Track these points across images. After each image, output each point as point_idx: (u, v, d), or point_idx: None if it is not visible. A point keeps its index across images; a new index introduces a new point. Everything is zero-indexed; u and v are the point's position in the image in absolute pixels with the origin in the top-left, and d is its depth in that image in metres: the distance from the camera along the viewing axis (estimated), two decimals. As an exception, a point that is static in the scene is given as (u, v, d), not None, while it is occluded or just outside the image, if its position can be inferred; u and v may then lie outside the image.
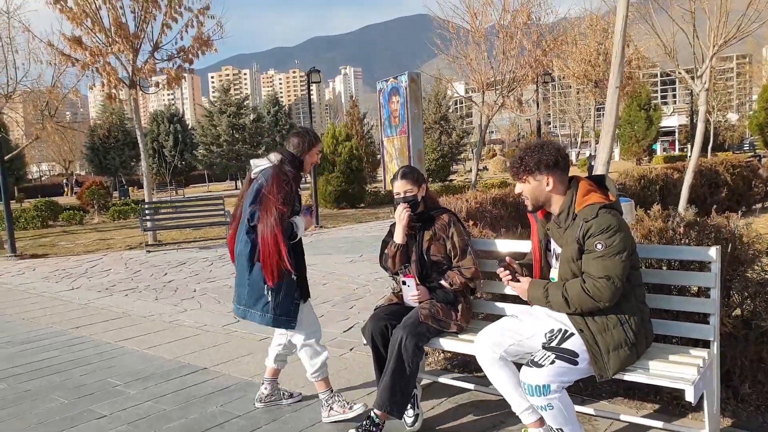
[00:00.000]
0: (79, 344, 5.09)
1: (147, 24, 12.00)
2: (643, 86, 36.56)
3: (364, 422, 2.92)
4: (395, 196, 3.24)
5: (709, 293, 2.69)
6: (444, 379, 3.61)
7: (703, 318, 2.86)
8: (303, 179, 3.43)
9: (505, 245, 3.33)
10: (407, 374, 2.89)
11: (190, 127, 46.64)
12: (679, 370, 2.47)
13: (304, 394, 3.62)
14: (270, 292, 3.15)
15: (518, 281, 2.72)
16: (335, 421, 3.22)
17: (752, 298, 3.04)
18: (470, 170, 33.03)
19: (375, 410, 2.91)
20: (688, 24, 8.16)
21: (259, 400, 3.52)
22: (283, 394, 3.56)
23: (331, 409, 3.25)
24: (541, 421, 2.63)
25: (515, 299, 3.23)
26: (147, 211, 12.07)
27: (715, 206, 3.60)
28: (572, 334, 2.55)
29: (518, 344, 2.70)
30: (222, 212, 12.08)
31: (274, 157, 3.25)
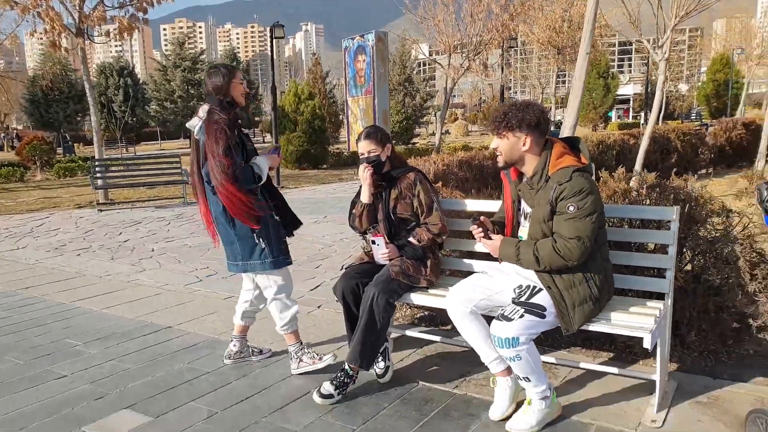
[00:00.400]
0: (31, 305, 4.92)
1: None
2: (603, 54, 37.09)
3: (339, 374, 2.98)
4: (360, 156, 3.24)
5: (666, 250, 2.83)
6: (412, 333, 3.70)
7: (658, 272, 3.02)
8: (247, 117, 3.32)
9: (474, 205, 3.39)
10: (378, 329, 2.95)
11: (141, 81, 44.72)
12: (637, 321, 2.62)
13: (274, 350, 3.65)
14: (261, 239, 3.16)
15: (490, 239, 2.78)
16: (304, 372, 3.27)
17: (703, 255, 3.23)
18: (433, 133, 33.08)
19: (348, 364, 2.97)
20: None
21: (228, 356, 3.53)
22: (252, 351, 3.58)
23: (301, 360, 3.29)
24: (508, 371, 2.74)
25: (482, 256, 3.32)
26: (98, 169, 11.65)
27: (674, 170, 3.75)
28: (540, 290, 2.63)
29: (488, 299, 2.78)
30: (178, 170, 11.78)
31: (202, 111, 3.16)
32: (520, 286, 2.70)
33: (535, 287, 2.65)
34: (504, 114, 2.66)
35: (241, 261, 3.22)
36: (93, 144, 12.74)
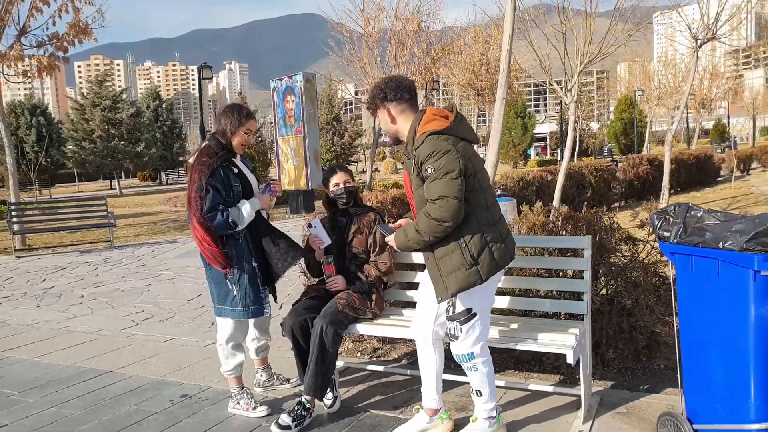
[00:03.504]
0: (-44, 357, 4.68)
1: (12, 5, 10.98)
2: (520, 95, 39.22)
3: (296, 407, 3.10)
4: (334, 188, 3.47)
5: (582, 275, 3.18)
6: (356, 364, 3.87)
7: (577, 296, 3.38)
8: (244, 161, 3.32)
9: None
10: (328, 359, 3.11)
11: (56, 120, 42.80)
12: (560, 339, 2.93)
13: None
14: (233, 285, 3.16)
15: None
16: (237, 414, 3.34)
17: (615, 279, 3.63)
18: (363, 171, 33.61)
19: (304, 396, 3.11)
20: (560, 43, 9.15)
21: (258, 384, 3.65)
22: (278, 378, 3.68)
23: (237, 403, 3.35)
24: (435, 412, 2.94)
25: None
26: (14, 213, 11.10)
27: (585, 204, 4.19)
28: (453, 295, 2.67)
29: (440, 316, 2.86)
30: (104, 213, 11.43)
31: (200, 147, 3.24)
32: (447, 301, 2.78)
33: (452, 296, 2.68)
34: (368, 98, 2.86)
35: (216, 305, 3.26)
36: (4, 187, 12.17)
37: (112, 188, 39.62)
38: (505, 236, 2.73)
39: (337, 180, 3.48)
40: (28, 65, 11.70)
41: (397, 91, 2.76)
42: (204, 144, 3.26)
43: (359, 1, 15.42)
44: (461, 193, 2.54)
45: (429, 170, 2.56)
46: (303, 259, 3.58)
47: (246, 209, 3.15)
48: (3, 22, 11.10)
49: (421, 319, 2.94)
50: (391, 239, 2.84)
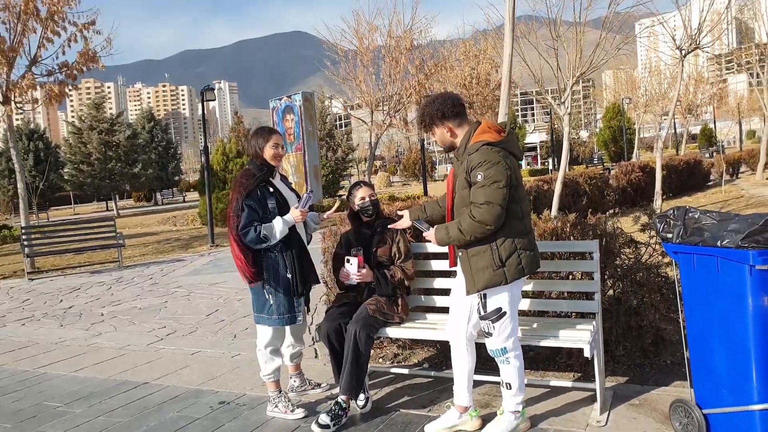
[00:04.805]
0: (-7, 375, 4.87)
1: (25, 36, 11.31)
2: (510, 107, 39.73)
3: (333, 407, 3.33)
4: (360, 201, 3.72)
5: (592, 276, 3.46)
6: (382, 368, 4.12)
7: (587, 296, 3.65)
8: (277, 173, 3.59)
9: (424, 247, 3.88)
10: (361, 361, 3.36)
11: (53, 144, 42.98)
12: (577, 335, 3.20)
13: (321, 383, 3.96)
14: (270, 295, 3.45)
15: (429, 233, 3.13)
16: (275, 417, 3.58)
17: (621, 281, 3.90)
18: (356, 186, 33.88)
19: (341, 396, 3.34)
20: (552, 58, 9.53)
21: (291, 389, 3.88)
22: (310, 383, 3.93)
23: (276, 406, 3.59)
24: (465, 409, 3.19)
25: (440, 292, 3.84)
26: (26, 236, 11.28)
27: (588, 211, 4.47)
28: (484, 295, 2.95)
29: (471, 317, 3.12)
30: (113, 234, 11.65)
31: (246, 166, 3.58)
32: (474, 302, 3.04)
33: (483, 295, 2.95)
34: (421, 117, 3.12)
35: (255, 313, 3.54)
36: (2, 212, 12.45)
37: (108, 209, 39.73)
38: (534, 246, 3.03)
39: (363, 194, 3.74)
40: (42, 97, 12.02)
41: (453, 107, 3.03)
42: (245, 168, 3.58)
43: (352, 20, 15.82)
44: (505, 201, 2.83)
45: (479, 177, 2.83)
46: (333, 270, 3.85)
47: (278, 225, 3.42)
48: (16, 52, 11.43)
49: (455, 322, 3.19)
50: (430, 235, 3.09)
